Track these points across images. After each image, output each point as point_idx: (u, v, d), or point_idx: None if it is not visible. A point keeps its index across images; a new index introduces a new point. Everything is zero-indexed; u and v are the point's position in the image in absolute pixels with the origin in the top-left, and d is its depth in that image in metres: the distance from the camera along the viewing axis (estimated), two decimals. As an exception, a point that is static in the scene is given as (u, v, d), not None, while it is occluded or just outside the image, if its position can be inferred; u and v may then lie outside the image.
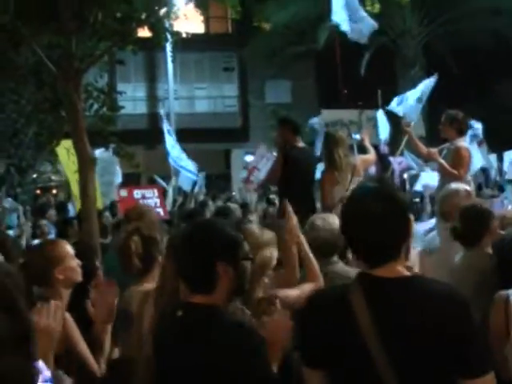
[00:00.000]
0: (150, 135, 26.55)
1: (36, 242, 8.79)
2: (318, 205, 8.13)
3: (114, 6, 7.09)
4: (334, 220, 4.81)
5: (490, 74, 25.95)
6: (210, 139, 27.56)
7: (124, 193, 12.03)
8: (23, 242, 9.71)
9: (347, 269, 4.70)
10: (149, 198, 11.84)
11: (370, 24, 11.40)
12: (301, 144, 8.41)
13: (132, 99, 25.94)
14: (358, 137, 9.68)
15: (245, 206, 13.34)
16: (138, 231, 4.41)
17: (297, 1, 23.19)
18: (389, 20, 22.80)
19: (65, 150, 10.53)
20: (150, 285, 4.03)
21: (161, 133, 15.36)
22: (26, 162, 23.06)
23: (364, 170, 8.06)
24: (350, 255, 4.99)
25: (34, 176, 23.26)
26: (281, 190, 8.47)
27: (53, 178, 25.22)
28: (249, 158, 31.27)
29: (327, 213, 5.59)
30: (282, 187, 8.36)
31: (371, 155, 8.46)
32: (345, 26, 11.33)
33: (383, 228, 2.52)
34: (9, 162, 23.08)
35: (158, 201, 11.90)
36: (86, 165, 7.46)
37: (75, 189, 10.35)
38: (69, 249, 4.07)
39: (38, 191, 23.28)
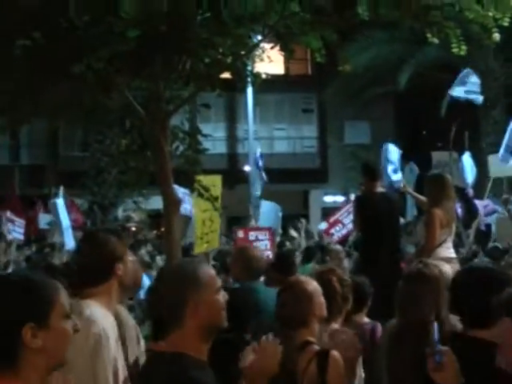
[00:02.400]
0: (230, 175, 26.83)
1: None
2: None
3: (202, 51, 7.24)
4: (447, 269, 4.89)
5: None
6: (288, 180, 27.64)
7: (240, 234, 12.23)
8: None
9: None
10: (261, 240, 11.94)
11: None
12: (379, 189, 8.32)
13: (212, 139, 26.31)
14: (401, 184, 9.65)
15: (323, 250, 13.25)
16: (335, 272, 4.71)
17: (378, 44, 23.25)
18: (471, 61, 22.60)
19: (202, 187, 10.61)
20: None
21: (241, 173, 15.50)
22: (109, 200, 23.65)
23: None
24: None
25: (116, 214, 23.78)
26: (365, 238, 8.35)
27: (133, 215, 25.66)
28: (327, 199, 31.29)
29: (425, 255, 5.67)
30: (365, 237, 8.28)
31: None
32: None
33: None
34: (92, 199, 23.71)
35: (268, 243, 11.99)
36: (171, 206, 7.58)
37: (198, 228, 10.40)
38: None
39: (119, 229, 23.65)
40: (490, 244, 12.02)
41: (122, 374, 3.59)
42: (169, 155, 7.69)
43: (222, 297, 3.04)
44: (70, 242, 13.65)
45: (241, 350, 3.27)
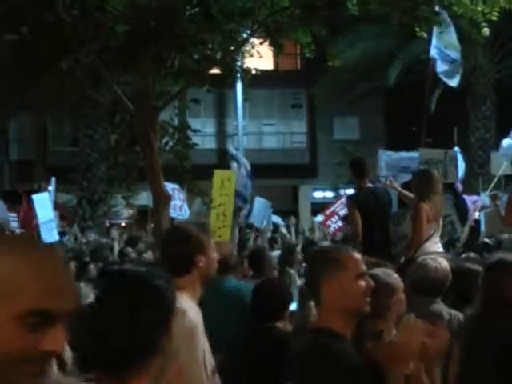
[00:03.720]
0: (219, 170, 26.83)
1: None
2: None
3: (191, 47, 7.22)
4: (444, 262, 5.13)
5: None
6: (277, 175, 27.64)
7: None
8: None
9: (449, 310, 4.93)
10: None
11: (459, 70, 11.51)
12: (368, 184, 8.33)
13: (201, 134, 26.28)
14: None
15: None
16: None
17: (367, 39, 23.24)
18: (461, 56, 22.65)
19: (219, 181, 10.57)
20: None
21: (229, 168, 15.48)
22: (98, 195, 23.57)
23: None
24: None
25: (106, 209, 23.70)
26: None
27: (123, 212, 25.61)
28: (317, 194, 31.31)
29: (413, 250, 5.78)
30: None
31: None
32: (439, 66, 11.49)
33: None
34: (81, 194, 23.64)
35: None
36: (160, 202, 7.57)
37: (213, 222, 10.33)
38: None
39: (108, 224, 23.63)
40: (480, 239, 12.06)
41: (210, 364, 3.67)
42: (158, 150, 7.68)
43: (365, 283, 3.15)
44: (49, 237, 13.60)
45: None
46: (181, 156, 8.80)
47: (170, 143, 8.86)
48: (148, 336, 2.26)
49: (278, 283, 5.94)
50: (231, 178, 10.49)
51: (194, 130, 9.52)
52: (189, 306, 3.66)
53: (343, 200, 14.43)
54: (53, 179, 16.41)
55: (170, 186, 9.85)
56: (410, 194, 8.03)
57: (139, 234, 16.90)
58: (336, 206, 15.19)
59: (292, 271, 9.74)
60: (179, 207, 12.06)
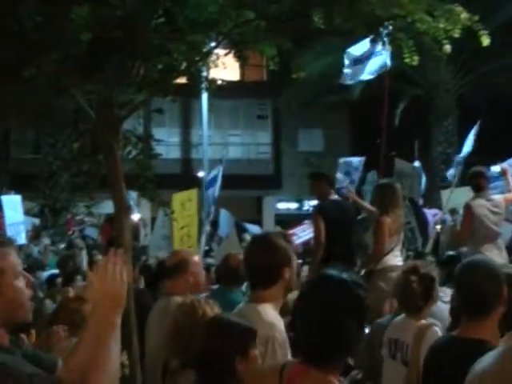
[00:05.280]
0: (184, 180, 26.73)
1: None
2: None
3: (156, 57, 7.20)
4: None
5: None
6: (242, 186, 27.66)
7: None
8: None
9: None
10: None
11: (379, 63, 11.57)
12: (335, 196, 8.40)
13: (166, 144, 26.20)
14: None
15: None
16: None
17: (333, 52, 23.42)
18: (423, 71, 22.87)
19: (180, 204, 10.39)
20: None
21: (194, 178, 15.47)
22: (61, 203, 23.37)
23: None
24: None
25: (68, 218, 23.52)
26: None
27: (86, 219, 25.43)
28: (281, 205, 31.35)
29: (374, 263, 5.91)
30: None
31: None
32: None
33: None
34: (43, 202, 23.41)
35: None
36: (122, 211, 7.51)
37: (177, 245, 10.14)
38: None
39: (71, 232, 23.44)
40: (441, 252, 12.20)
41: None
42: (120, 160, 7.62)
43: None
44: (17, 239, 13.58)
45: None
46: (143, 165, 8.73)
47: (134, 152, 8.79)
48: (353, 337, 2.66)
49: None
50: (192, 197, 10.37)
51: (158, 140, 9.46)
52: (276, 318, 3.78)
53: (304, 226, 14.43)
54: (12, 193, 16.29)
55: (133, 196, 9.79)
56: (369, 206, 8.08)
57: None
58: (297, 229, 15.15)
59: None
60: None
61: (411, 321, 4.85)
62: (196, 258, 4.89)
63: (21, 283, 2.81)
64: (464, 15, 7.59)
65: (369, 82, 23.31)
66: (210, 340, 3.39)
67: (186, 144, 30.70)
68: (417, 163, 13.35)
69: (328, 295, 2.69)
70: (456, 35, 7.54)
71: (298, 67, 9.65)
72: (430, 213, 13.98)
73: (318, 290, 2.74)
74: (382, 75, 12.04)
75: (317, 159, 25.23)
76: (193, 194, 10.63)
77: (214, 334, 3.41)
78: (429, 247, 12.45)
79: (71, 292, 5.21)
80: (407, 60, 7.92)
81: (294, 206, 30.36)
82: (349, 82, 12.24)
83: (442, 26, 7.37)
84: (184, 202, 9.69)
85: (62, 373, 2.83)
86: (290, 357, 3.62)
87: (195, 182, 15.53)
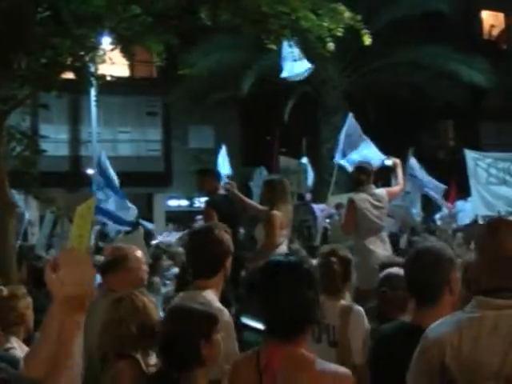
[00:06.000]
0: (72, 178, 26.25)
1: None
2: None
3: (39, 50, 7.06)
4: None
5: (408, 124, 26.78)
6: (132, 183, 27.34)
7: None
8: None
9: None
10: None
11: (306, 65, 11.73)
12: (222, 191, 8.45)
13: (54, 141, 25.62)
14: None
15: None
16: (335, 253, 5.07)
17: (221, 49, 23.55)
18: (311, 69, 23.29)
19: (81, 217, 10.08)
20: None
21: (83, 175, 15.22)
22: None
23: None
24: None
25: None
26: None
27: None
28: (172, 203, 31.21)
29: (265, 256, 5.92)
30: None
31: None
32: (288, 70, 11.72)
33: None
34: None
35: None
36: (7, 210, 7.34)
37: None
38: None
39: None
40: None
41: None
42: (4, 156, 7.45)
43: None
44: None
45: None
46: (27, 162, 8.55)
47: (18, 149, 8.60)
48: (314, 309, 3.00)
49: None
50: (91, 205, 10.24)
51: (44, 136, 9.30)
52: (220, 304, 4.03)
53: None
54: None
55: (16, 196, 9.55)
56: (252, 202, 8.20)
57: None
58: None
59: (157, 280, 9.73)
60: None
61: (331, 302, 4.91)
62: (137, 253, 4.90)
63: None
64: (347, 14, 7.81)
65: (259, 78, 23.67)
66: (176, 326, 3.52)
67: (75, 141, 30.11)
68: (304, 159, 13.57)
69: (289, 275, 3.00)
70: (339, 34, 7.74)
71: (185, 64, 9.66)
72: (318, 208, 14.28)
73: (278, 274, 3.03)
74: (275, 73, 12.18)
75: (207, 156, 25.21)
76: (91, 202, 10.49)
77: (179, 319, 3.53)
78: (317, 240, 12.72)
79: (5, 291, 5.06)
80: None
81: (184, 203, 30.29)
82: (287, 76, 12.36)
83: (325, 24, 7.56)
84: (84, 213, 9.53)
85: (25, 371, 2.81)
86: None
87: (85, 180, 15.25)
